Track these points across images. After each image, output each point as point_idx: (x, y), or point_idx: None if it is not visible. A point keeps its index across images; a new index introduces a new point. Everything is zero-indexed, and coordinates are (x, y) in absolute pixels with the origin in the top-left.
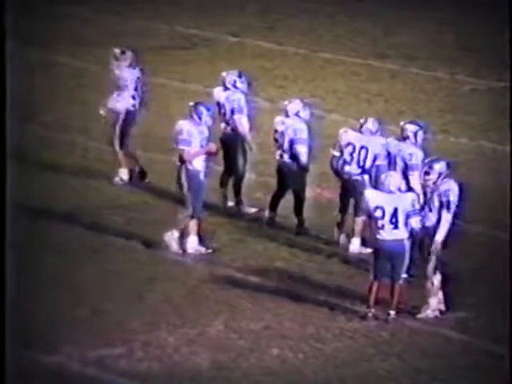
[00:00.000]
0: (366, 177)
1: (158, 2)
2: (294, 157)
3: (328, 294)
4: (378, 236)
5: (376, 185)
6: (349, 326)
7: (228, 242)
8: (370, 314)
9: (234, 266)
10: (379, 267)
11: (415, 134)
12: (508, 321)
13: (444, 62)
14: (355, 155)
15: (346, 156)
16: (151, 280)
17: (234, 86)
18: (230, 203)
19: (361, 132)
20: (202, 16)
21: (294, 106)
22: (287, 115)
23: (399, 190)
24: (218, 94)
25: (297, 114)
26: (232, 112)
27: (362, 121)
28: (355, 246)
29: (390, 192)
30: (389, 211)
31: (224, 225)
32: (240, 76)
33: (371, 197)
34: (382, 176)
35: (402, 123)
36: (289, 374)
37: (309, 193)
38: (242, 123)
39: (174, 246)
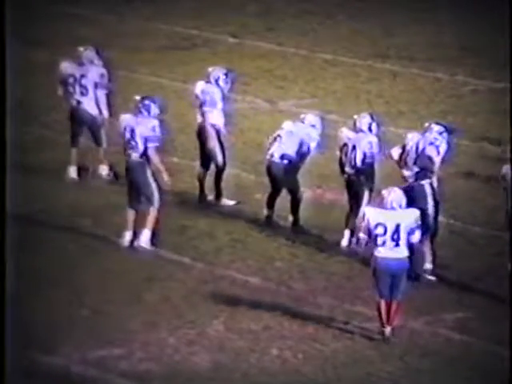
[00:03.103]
0: (362, 177)
1: (158, 2)
2: (285, 156)
3: (328, 294)
4: (378, 254)
5: (370, 185)
6: (349, 327)
7: (228, 242)
8: (387, 334)
9: (233, 266)
10: (382, 286)
11: (441, 133)
12: (508, 321)
13: (444, 62)
14: (349, 155)
15: (343, 156)
16: (150, 280)
17: (217, 82)
18: (210, 197)
19: (355, 130)
20: (202, 16)
21: (311, 119)
22: (302, 122)
23: (400, 206)
24: (198, 86)
25: (313, 126)
26: (204, 104)
27: (355, 117)
28: (345, 240)
29: (392, 208)
30: (391, 228)
31: (224, 225)
32: (226, 75)
33: (371, 214)
34: (384, 192)
35: (427, 124)
36: (288, 374)
37: (310, 194)
38: (213, 116)
39: (152, 247)
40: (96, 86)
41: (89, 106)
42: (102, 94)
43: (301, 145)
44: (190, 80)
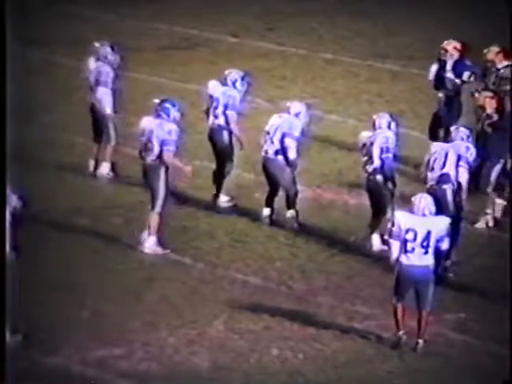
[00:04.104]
0: (379, 176)
1: (158, 1)
2: (279, 152)
3: (328, 294)
4: (405, 260)
5: (391, 186)
6: (349, 327)
7: (228, 242)
8: (402, 340)
9: (234, 267)
10: (402, 292)
11: (468, 137)
12: (508, 321)
13: None
14: (368, 153)
15: (363, 158)
16: (151, 280)
17: (234, 84)
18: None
19: (373, 130)
20: (202, 16)
21: (296, 106)
22: (288, 113)
23: (430, 213)
24: (214, 87)
25: (297, 115)
26: (225, 107)
27: (374, 116)
28: (376, 244)
29: (423, 215)
30: (421, 234)
31: (224, 225)
32: (243, 78)
33: (402, 219)
34: (414, 198)
35: (452, 128)
36: (288, 374)
37: (309, 193)
38: (234, 120)
39: (160, 251)
40: (98, 83)
41: (96, 101)
42: (103, 92)
43: (283, 136)
44: (191, 80)
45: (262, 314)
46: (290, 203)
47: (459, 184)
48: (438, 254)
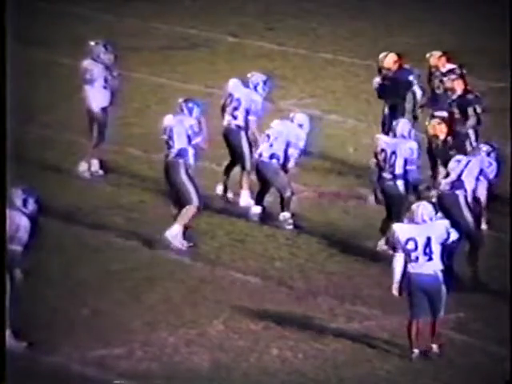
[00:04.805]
0: (400, 182)
1: (158, 2)
2: (274, 156)
3: (328, 294)
4: (411, 270)
5: (410, 192)
6: (349, 327)
7: (228, 242)
8: (414, 356)
9: (233, 266)
10: (417, 304)
11: (488, 154)
12: (508, 321)
13: None
14: (388, 161)
15: (381, 163)
16: (151, 280)
17: (255, 88)
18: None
19: (394, 136)
20: (202, 16)
21: (300, 118)
22: (291, 121)
23: (431, 219)
24: (235, 86)
25: (300, 126)
26: (247, 112)
27: (394, 123)
28: (380, 244)
29: (423, 222)
30: (421, 242)
31: (224, 225)
32: (265, 82)
33: (400, 230)
34: (413, 206)
35: (474, 145)
36: (288, 374)
37: (309, 193)
38: (255, 126)
39: (178, 242)
40: (85, 81)
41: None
42: (87, 91)
43: (287, 145)
44: (191, 80)
45: (262, 314)
46: (285, 205)
47: (477, 198)
48: (451, 252)
